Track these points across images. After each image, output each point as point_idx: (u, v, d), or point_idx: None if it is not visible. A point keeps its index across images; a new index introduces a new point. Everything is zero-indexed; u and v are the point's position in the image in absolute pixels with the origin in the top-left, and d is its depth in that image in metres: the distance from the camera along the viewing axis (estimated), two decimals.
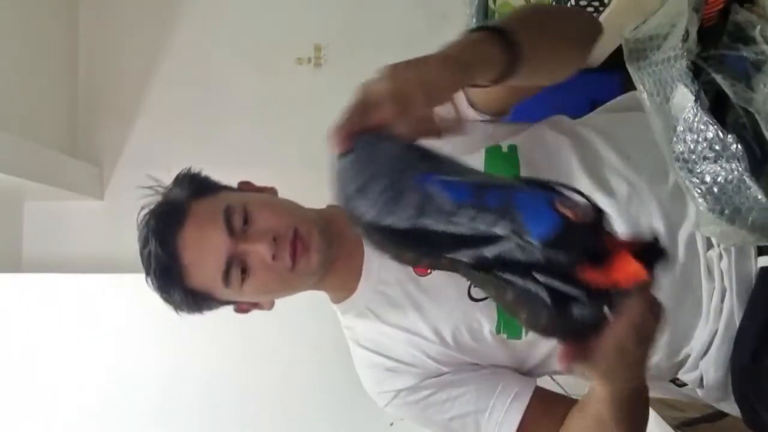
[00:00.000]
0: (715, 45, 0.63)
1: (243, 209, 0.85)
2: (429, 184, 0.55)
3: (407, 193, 0.55)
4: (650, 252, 0.54)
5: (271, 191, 0.96)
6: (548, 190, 0.56)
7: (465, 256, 0.56)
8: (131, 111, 2.35)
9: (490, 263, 0.55)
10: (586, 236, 0.53)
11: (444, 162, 0.58)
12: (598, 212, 0.54)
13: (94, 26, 2.38)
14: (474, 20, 1.83)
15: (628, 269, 0.53)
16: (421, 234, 0.55)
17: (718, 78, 0.60)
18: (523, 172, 0.86)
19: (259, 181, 0.96)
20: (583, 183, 0.85)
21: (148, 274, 0.87)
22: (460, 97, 0.89)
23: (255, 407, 2.24)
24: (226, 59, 2.32)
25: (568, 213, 0.52)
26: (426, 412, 0.92)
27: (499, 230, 0.54)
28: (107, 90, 2.37)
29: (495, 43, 0.65)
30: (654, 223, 0.82)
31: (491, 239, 0.54)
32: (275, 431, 2.26)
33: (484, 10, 1.80)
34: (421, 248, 0.57)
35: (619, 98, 1.06)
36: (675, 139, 0.64)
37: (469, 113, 0.90)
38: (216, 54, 2.33)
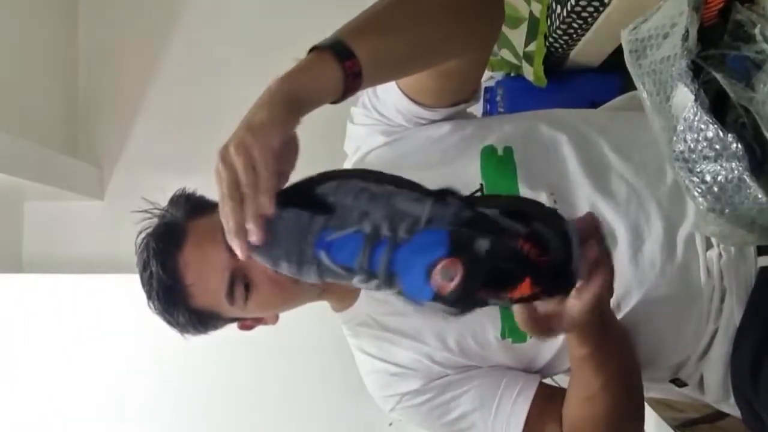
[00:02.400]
0: (715, 44, 0.63)
1: None
2: (320, 251, 0.56)
3: (306, 267, 0.57)
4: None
5: None
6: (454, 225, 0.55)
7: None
8: (131, 111, 2.35)
9: None
10: (461, 302, 0.55)
11: (339, 206, 0.57)
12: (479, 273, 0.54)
13: (94, 26, 2.38)
14: None
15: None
16: None
17: (719, 77, 0.59)
18: (521, 176, 0.85)
19: None
20: (583, 184, 0.84)
21: (149, 297, 0.86)
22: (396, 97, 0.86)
23: (255, 407, 2.24)
24: (226, 59, 2.32)
25: (442, 286, 0.54)
26: (432, 414, 0.91)
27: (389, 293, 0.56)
28: (107, 90, 2.37)
29: (325, 62, 0.63)
30: (653, 223, 0.82)
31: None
32: (275, 431, 2.26)
33: None
34: None
35: (618, 98, 1.05)
36: (675, 138, 0.64)
37: (420, 111, 0.87)
38: (216, 54, 2.33)
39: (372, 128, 0.92)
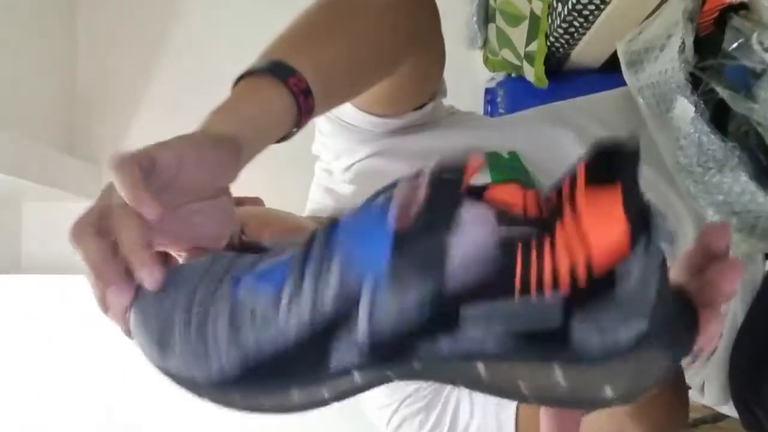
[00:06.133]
0: (713, 54, 0.62)
1: (241, 230, 0.78)
2: (240, 288, 0.39)
3: (211, 316, 0.39)
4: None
5: (255, 201, 0.86)
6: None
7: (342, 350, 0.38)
8: (130, 111, 2.35)
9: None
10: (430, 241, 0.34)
11: (268, 248, 0.43)
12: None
13: (92, 25, 2.38)
14: (474, 19, 1.82)
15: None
16: (264, 359, 0.39)
17: (719, 89, 0.59)
18: (537, 179, 0.82)
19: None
20: None
21: None
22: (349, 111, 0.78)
23: None
24: (226, 59, 2.31)
25: (401, 219, 0.35)
26: (429, 419, 0.91)
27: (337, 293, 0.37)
28: (106, 89, 2.37)
29: (265, 86, 0.52)
30: (685, 225, 0.80)
31: (344, 315, 0.37)
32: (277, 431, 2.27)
33: (485, 9, 1.79)
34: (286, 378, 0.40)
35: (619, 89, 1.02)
36: (678, 150, 0.64)
37: (385, 121, 0.80)
38: (215, 53, 2.32)
39: (348, 138, 0.84)
